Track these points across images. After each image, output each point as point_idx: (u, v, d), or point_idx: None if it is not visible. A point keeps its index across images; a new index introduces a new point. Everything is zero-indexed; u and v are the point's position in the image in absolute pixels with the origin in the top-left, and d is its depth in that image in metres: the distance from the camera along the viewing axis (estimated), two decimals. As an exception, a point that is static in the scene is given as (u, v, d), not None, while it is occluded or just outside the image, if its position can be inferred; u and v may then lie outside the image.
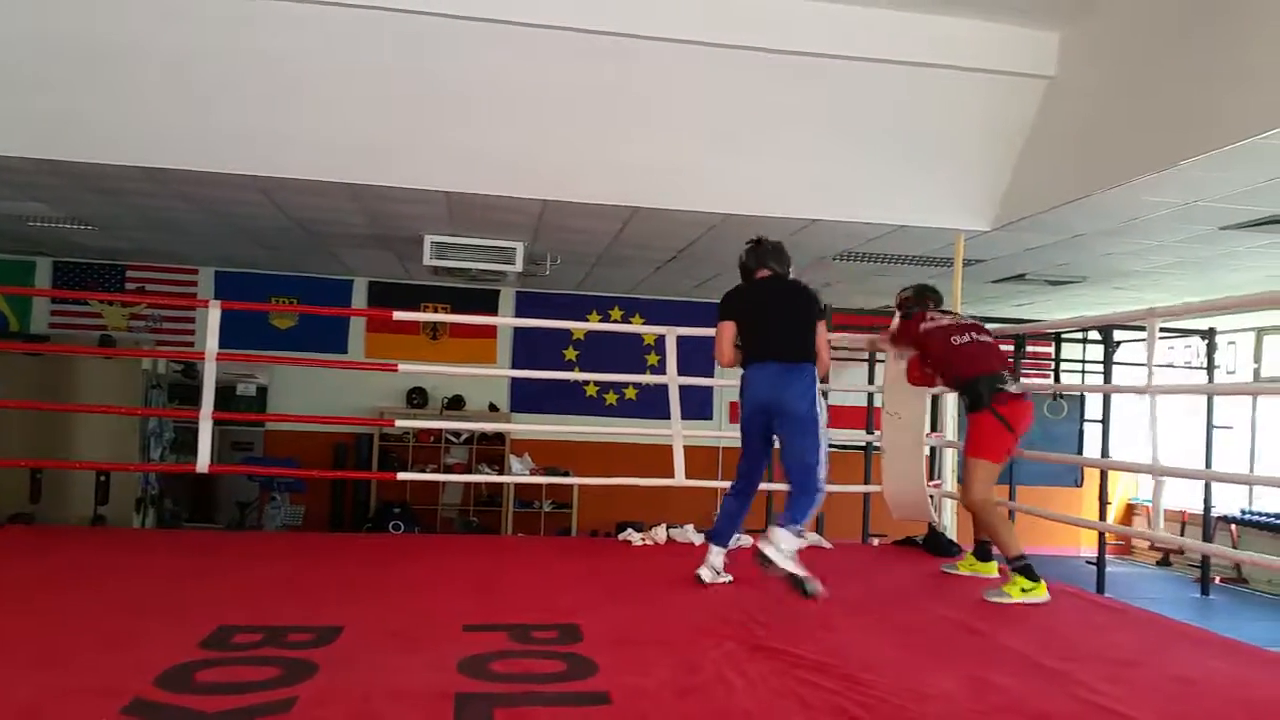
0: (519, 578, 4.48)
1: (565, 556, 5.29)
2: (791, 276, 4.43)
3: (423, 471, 9.94)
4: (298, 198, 6.65)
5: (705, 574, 4.28)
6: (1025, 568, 4.16)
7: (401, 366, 5.36)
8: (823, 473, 4.05)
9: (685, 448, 5.54)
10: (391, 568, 4.56)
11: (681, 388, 5.62)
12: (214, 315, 5.21)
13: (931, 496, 5.70)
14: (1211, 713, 2.78)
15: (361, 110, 5.57)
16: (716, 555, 4.34)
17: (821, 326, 4.25)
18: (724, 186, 6.17)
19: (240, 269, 10.62)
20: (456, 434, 10.52)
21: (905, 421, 5.38)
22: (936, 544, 5.50)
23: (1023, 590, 4.10)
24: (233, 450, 10.64)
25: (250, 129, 5.42)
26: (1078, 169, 5.57)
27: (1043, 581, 4.15)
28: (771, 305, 4.31)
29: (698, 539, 5.56)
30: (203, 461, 5.16)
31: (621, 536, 5.55)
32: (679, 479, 5.44)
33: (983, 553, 4.76)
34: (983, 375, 4.45)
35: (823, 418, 4.10)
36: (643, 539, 5.47)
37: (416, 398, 10.72)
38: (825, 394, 4.26)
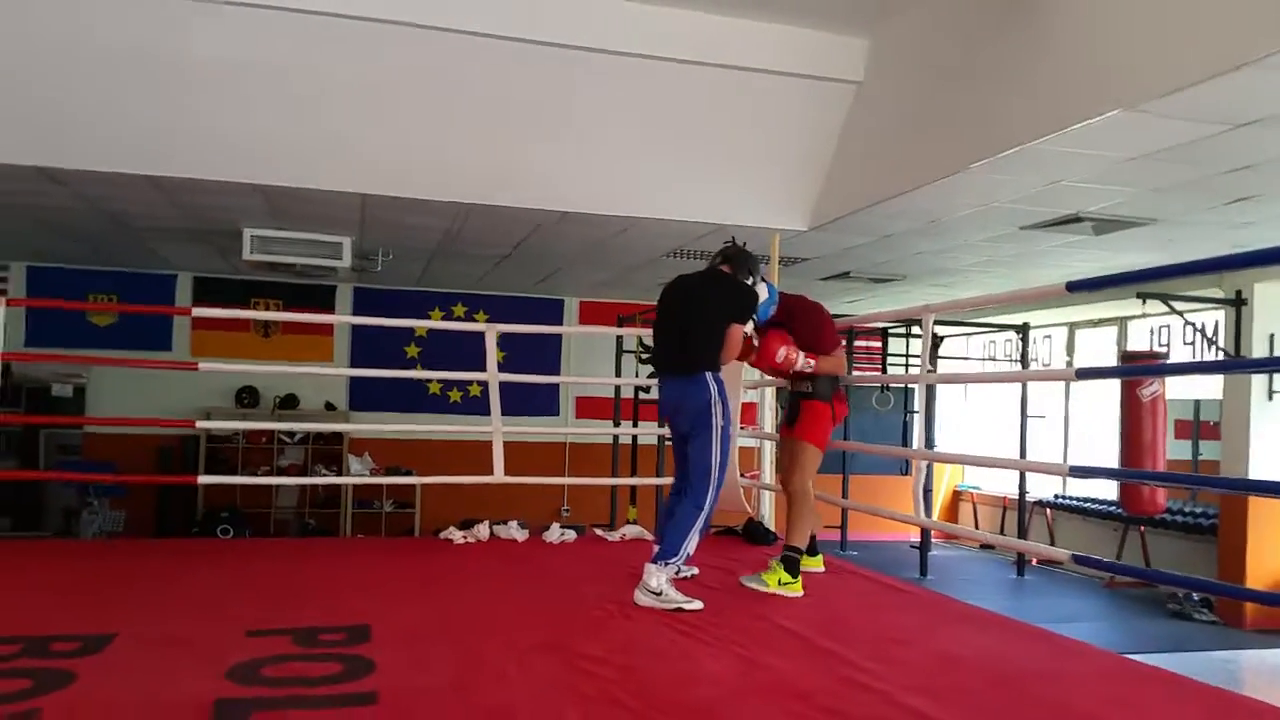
0: (324, 579, 4.36)
1: (381, 557, 5.19)
2: (728, 271, 4.13)
3: (254, 474, 9.61)
4: (97, 189, 6.31)
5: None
6: (794, 561, 4.18)
7: (203, 365, 5.13)
8: (713, 484, 3.92)
9: (533, 444, 5.50)
10: (189, 573, 4.38)
11: (529, 384, 5.58)
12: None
13: (750, 488, 5.87)
14: (960, 685, 2.94)
15: (162, 98, 5.35)
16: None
17: (735, 330, 3.97)
18: (550, 184, 6.20)
19: (55, 264, 10.03)
20: (290, 433, 10.21)
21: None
22: (755, 533, 5.65)
23: (780, 583, 4.11)
24: (59, 454, 10.08)
25: (34, 115, 5.14)
26: (882, 172, 5.82)
27: (800, 579, 4.17)
28: (673, 306, 4.13)
29: (521, 535, 5.56)
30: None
31: (443, 535, 5.49)
32: (498, 476, 5.42)
33: (811, 548, 4.73)
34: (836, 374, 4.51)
35: (719, 423, 3.93)
36: (464, 537, 5.43)
37: (246, 397, 10.34)
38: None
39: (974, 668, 3.17)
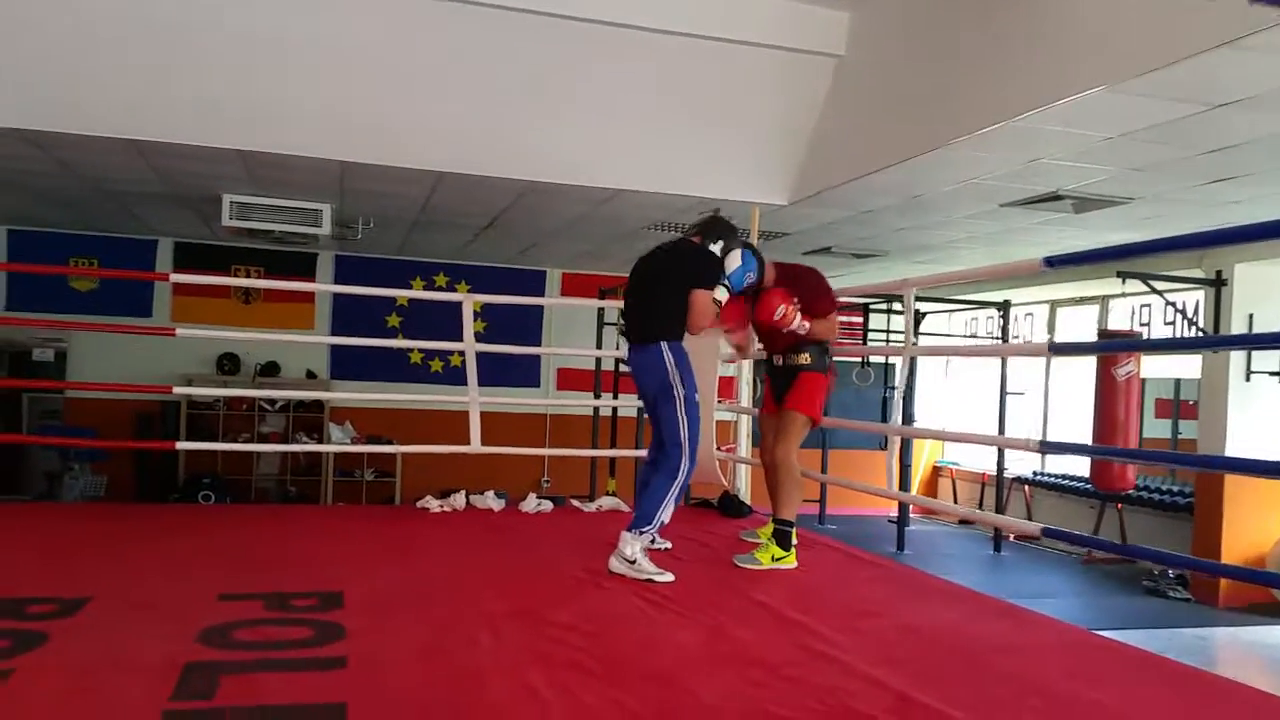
0: (298, 546, 4.38)
1: (356, 524, 5.23)
2: (701, 240, 4.10)
3: (235, 441, 9.61)
4: (76, 154, 6.26)
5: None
6: (784, 535, 4.20)
7: (180, 331, 5.13)
8: (684, 451, 3.92)
9: (513, 415, 5.51)
10: (165, 537, 4.39)
11: (510, 356, 5.59)
12: (-27, 275, 4.89)
13: (727, 462, 5.92)
14: (919, 655, 2.99)
15: (140, 61, 5.31)
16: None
17: (699, 295, 3.92)
18: (529, 154, 6.18)
19: (37, 228, 9.96)
20: (271, 401, 10.20)
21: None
22: (730, 506, 5.69)
23: (774, 559, 4.15)
24: (41, 418, 10.07)
25: (10, 77, 5.09)
26: (863, 147, 5.82)
27: (794, 551, 4.22)
28: (637, 277, 4.14)
29: (497, 504, 5.60)
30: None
31: (420, 503, 5.52)
32: (475, 446, 5.44)
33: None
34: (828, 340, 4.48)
35: (680, 391, 3.93)
36: (441, 506, 5.46)
37: (228, 364, 10.32)
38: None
39: (935, 640, 3.21)
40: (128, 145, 5.88)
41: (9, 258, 9.93)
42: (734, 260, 4.05)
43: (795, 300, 4.22)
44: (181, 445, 5.62)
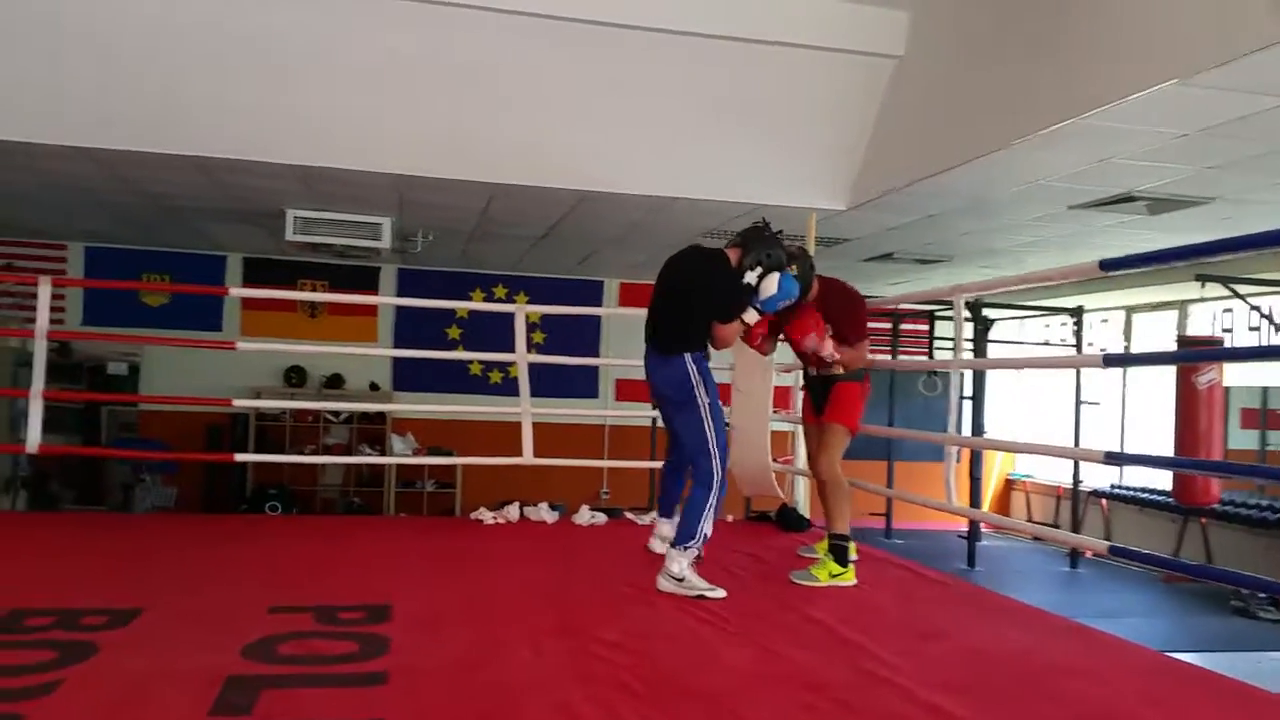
0: (354, 557, 4.40)
1: (411, 535, 5.23)
2: (741, 258, 3.90)
3: (300, 453, 9.73)
4: (141, 171, 6.39)
5: (655, 545, 4.29)
6: (841, 550, 4.09)
7: (240, 345, 5.23)
8: (715, 460, 3.83)
9: (571, 426, 5.47)
10: (223, 549, 4.44)
11: (568, 366, 5.57)
12: (44, 293, 5.00)
13: (784, 474, 5.79)
14: (983, 681, 2.84)
15: (202, 80, 5.39)
16: (664, 525, 4.31)
17: (718, 329, 3.86)
18: (583, 164, 6.14)
19: (111, 245, 10.23)
20: (336, 413, 10.31)
21: (752, 398, 5.43)
22: (788, 519, 5.57)
23: (831, 575, 4.03)
24: (119, 431, 10.32)
25: (74, 95, 5.20)
26: (922, 150, 5.67)
27: (852, 567, 4.10)
28: (664, 283, 3.99)
29: (551, 517, 5.55)
30: (32, 441, 4.96)
31: (474, 515, 5.50)
32: (527, 457, 5.40)
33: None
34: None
35: (704, 399, 3.84)
36: (494, 518, 5.43)
37: (294, 377, 10.46)
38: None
39: (1002, 663, 3.06)
40: (190, 162, 5.98)
41: (85, 274, 10.20)
42: (770, 287, 3.87)
43: (828, 329, 4.15)
44: (241, 457, 5.71)
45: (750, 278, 3.86)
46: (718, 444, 3.85)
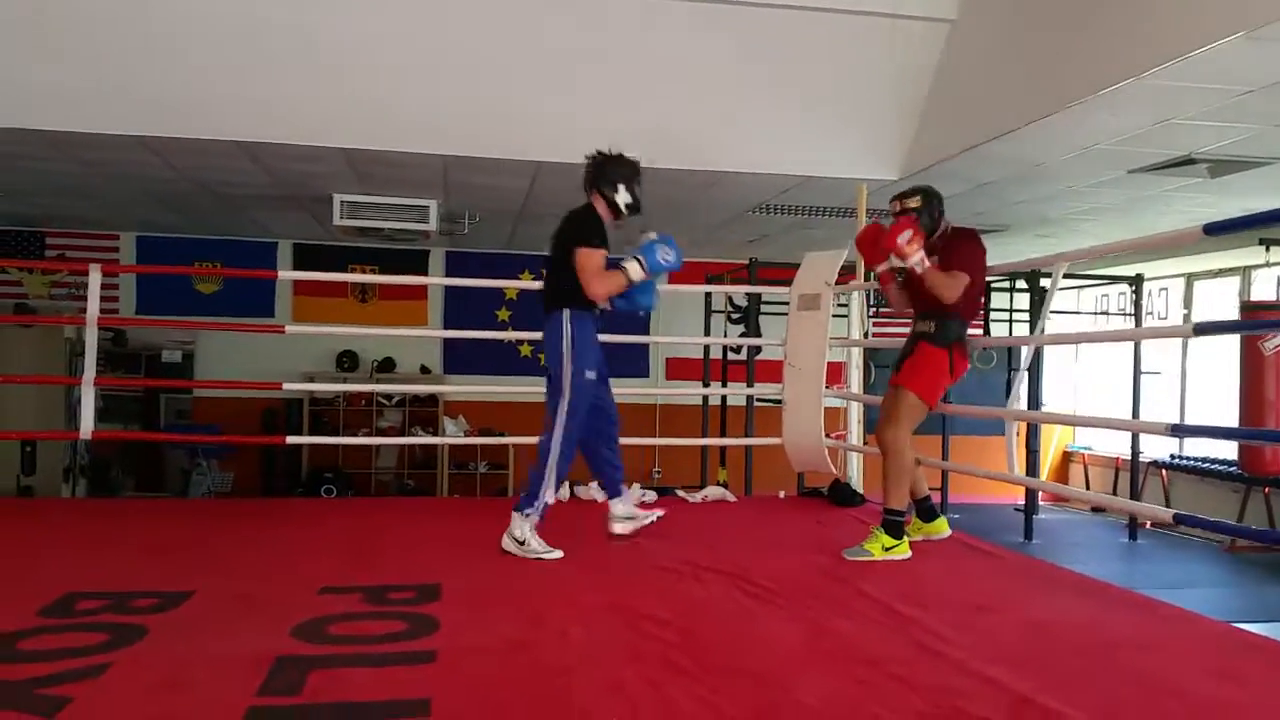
0: (405, 537, 4.41)
1: (462, 515, 5.24)
2: (595, 198, 4.06)
3: (354, 436, 9.85)
4: (193, 159, 6.46)
5: (616, 527, 4.30)
6: (896, 525, 3.98)
7: (290, 329, 5.28)
8: (558, 429, 3.89)
9: (622, 405, 5.38)
10: (278, 530, 4.49)
11: (619, 345, 5.56)
12: (94, 280, 5.07)
13: (837, 449, 5.70)
14: (1043, 654, 2.76)
15: (249, 66, 5.42)
16: (617, 505, 4.34)
17: (580, 254, 3.82)
18: (629, 140, 6.04)
19: (162, 233, 10.39)
20: (389, 396, 10.41)
21: (804, 373, 5.35)
22: (841, 494, 5.49)
23: (884, 549, 3.92)
24: (175, 417, 10.52)
25: (128, 86, 5.26)
26: (977, 115, 5.53)
27: (906, 539, 4.00)
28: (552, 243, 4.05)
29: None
30: (85, 428, 5.05)
31: (523, 495, 5.49)
32: (574, 436, 5.37)
33: (927, 512, 4.39)
34: (963, 315, 4.10)
35: (568, 367, 3.88)
36: (546, 497, 5.42)
37: (346, 361, 10.57)
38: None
39: (1060, 636, 2.97)
40: (239, 148, 6.03)
41: (137, 263, 10.37)
42: (649, 240, 3.97)
43: (923, 236, 3.90)
44: (292, 439, 5.75)
45: (621, 197, 4.02)
46: (568, 415, 3.91)
